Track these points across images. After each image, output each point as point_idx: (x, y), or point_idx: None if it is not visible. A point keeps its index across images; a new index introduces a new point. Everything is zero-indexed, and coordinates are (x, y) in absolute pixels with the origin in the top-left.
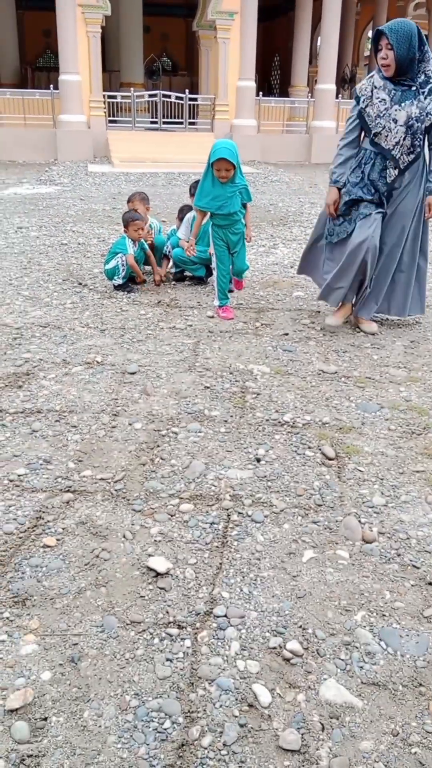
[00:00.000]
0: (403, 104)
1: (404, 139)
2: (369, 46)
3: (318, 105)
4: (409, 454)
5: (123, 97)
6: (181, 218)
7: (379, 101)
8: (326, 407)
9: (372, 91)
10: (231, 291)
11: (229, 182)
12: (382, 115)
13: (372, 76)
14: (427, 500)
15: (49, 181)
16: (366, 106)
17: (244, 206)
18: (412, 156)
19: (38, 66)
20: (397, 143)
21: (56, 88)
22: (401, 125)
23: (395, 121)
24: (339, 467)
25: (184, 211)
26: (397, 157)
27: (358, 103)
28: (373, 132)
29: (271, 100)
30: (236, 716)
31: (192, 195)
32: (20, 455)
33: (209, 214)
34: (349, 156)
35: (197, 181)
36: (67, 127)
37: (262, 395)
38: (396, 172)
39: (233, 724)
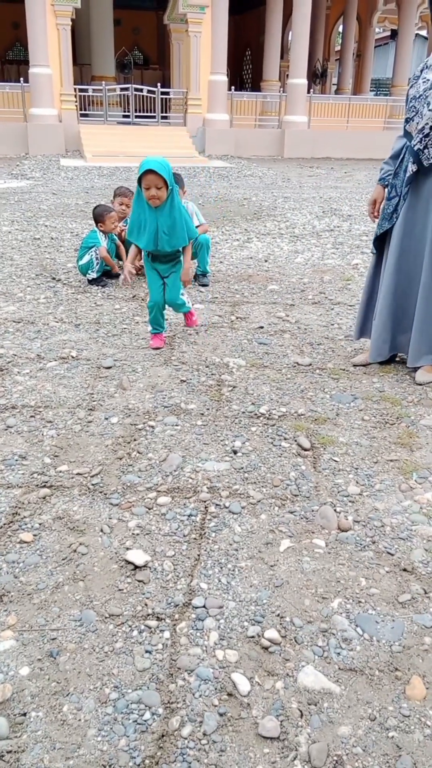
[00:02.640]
0: None
1: (431, 128)
2: (340, 41)
3: (290, 99)
4: (383, 443)
5: (94, 90)
6: None
7: (423, 82)
8: (301, 399)
9: (422, 71)
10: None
11: (163, 207)
12: (418, 96)
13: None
14: (401, 488)
15: (20, 176)
16: (410, 87)
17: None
18: None
19: (8, 59)
20: (420, 130)
21: (26, 81)
22: (431, 110)
23: (428, 104)
24: (314, 458)
25: None
26: (416, 147)
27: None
28: (406, 117)
29: (243, 95)
30: (216, 705)
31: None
32: None
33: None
34: (397, 150)
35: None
36: (38, 120)
37: (238, 388)
38: (415, 167)
39: (213, 714)
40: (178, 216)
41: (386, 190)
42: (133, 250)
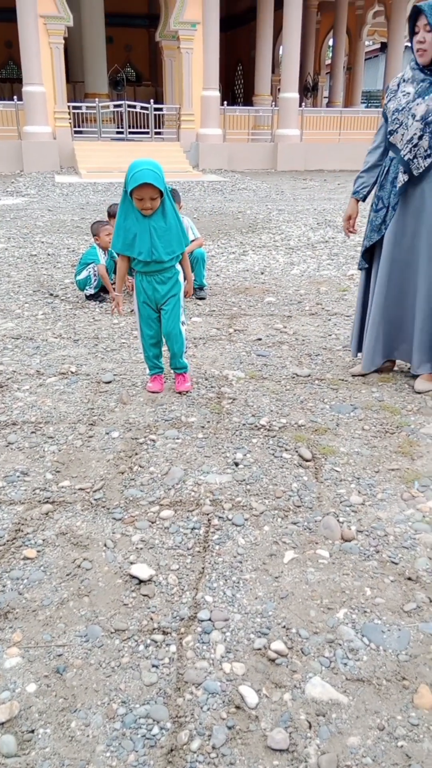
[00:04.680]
0: (426, 97)
1: (420, 138)
2: (330, 54)
3: (282, 113)
4: (384, 452)
5: (88, 107)
6: None
7: (403, 95)
8: (301, 410)
9: (399, 84)
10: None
11: (156, 215)
12: (401, 109)
13: (406, 68)
14: (403, 497)
15: (15, 193)
16: (389, 101)
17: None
18: (429, 160)
19: (1, 78)
20: (409, 140)
21: (20, 99)
22: (418, 120)
23: (413, 116)
24: (316, 468)
25: None
26: (406, 157)
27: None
28: (389, 129)
29: (235, 109)
30: (224, 718)
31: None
32: None
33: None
34: (373, 163)
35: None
36: (33, 138)
37: (238, 400)
38: (406, 177)
39: (221, 727)
40: (173, 218)
41: (373, 202)
42: (120, 270)
